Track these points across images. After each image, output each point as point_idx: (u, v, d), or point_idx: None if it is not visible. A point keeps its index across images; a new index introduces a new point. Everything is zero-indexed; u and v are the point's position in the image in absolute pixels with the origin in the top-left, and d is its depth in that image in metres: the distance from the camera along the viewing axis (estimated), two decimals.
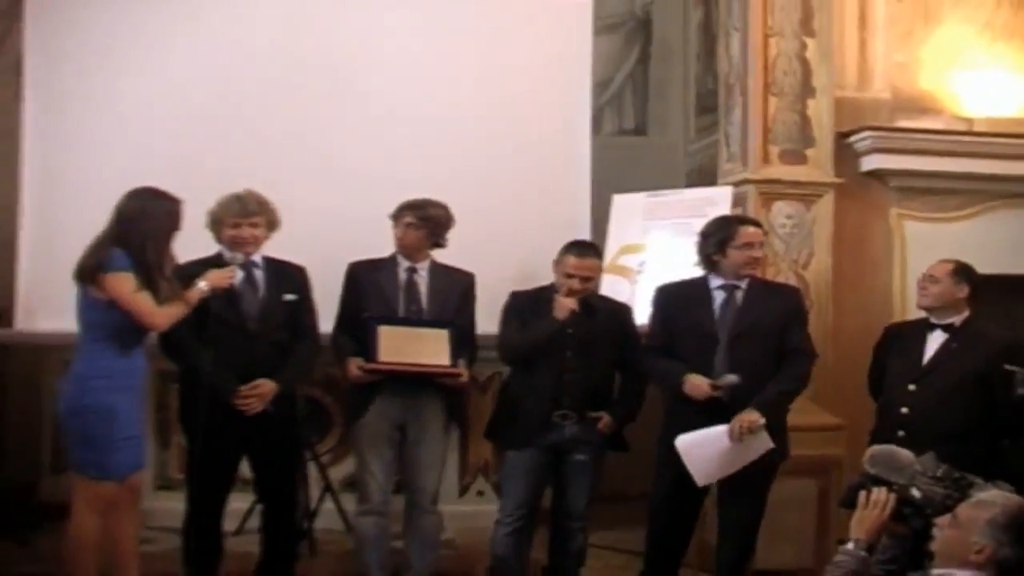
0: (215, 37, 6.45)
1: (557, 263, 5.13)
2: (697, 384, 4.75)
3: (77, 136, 6.36)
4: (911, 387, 4.98)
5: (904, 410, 4.96)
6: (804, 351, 4.94)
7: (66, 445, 4.84)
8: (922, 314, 5.15)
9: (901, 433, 4.80)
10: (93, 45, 6.47)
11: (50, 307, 5.87)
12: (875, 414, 5.22)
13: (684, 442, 4.78)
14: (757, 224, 5.07)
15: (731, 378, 4.70)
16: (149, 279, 4.55)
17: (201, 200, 5.04)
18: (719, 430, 4.70)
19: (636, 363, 5.15)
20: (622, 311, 5.28)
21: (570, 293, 5.00)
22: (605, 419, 5.06)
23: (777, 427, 4.85)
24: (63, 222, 5.86)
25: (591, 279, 5.11)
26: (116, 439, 4.61)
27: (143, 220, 4.61)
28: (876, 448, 3.79)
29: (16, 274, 6.30)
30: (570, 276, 5.02)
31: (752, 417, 4.66)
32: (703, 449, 4.76)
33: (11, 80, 7.56)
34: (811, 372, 5.00)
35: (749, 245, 4.90)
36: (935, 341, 5.00)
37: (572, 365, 5.03)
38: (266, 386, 4.90)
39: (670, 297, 5.07)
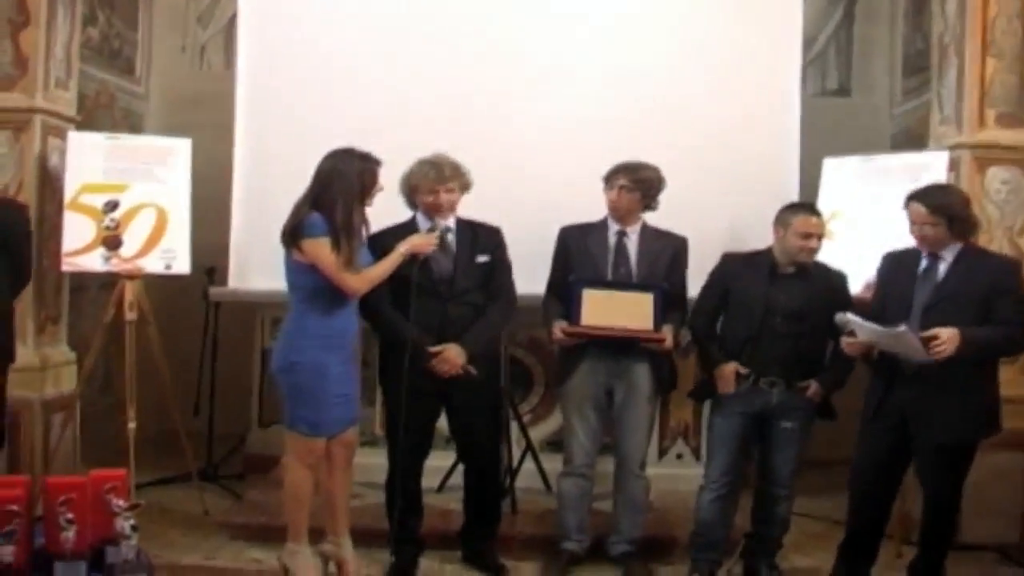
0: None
1: (784, 224, 4.97)
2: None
3: (286, 98, 6.52)
4: None
5: None
6: (1016, 323, 4.58)
7: (279, 402, 4.97)
8: None
9: None
10: (301, 7, 6.62)
11: (261, 266, 6.09)
12: None
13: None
14: (922, 202, 4.66)
15: None
16: (336, 241, 4.62)
17: (409, 162, 5.12)
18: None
19: None
20: (837, 277, 5.11)
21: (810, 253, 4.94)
22: (813, 387, 4.95)
23: (985, 401, 4.65)
24: (273, 182, 5.98)
25: (821, 236, 4.99)
26: (328, 396, 4.74)
27: (334, 181, 4.69)
28: None
29: (229, 234, 6.52)
30: (808, 236, 4.92)
31: (949, 336, 4.40)
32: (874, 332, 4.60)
33: (222, 46, 7.87)
34: (1021, 345, 4.70)
35: (915, 224, 4.69)
36: None
37: (782, 331, 4.93)
38: (452, 350, 4.96)
39: (887, 264, 4.92)
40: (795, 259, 4.96)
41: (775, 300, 4.93)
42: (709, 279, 5.20)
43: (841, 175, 6.15)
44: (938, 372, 4.46)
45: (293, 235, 4.68)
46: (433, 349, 4.92)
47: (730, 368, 4.96)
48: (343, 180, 4.69)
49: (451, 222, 5.12)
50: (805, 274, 4.98)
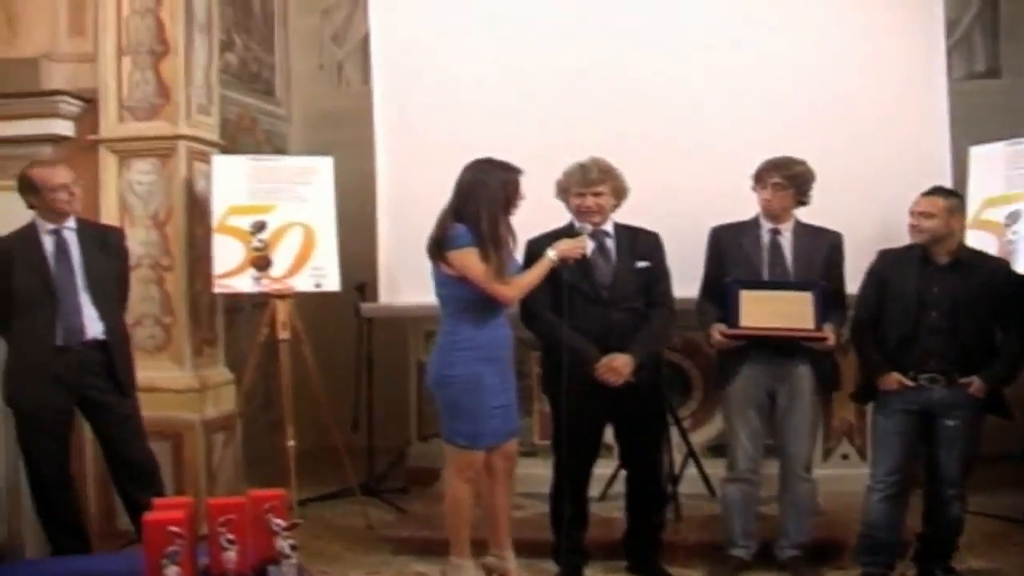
0: (553, 5, 6.51)
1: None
2: None
3: (424, 111, 6.55)
4: None
5: None
6: None
7: (437, 415, 4.98)
8: None
9: None
10: (434, 21, 6.65)
11: (412, 280, 6.07)
12: None
13: None
14: None
15: None
16: (484, 251, 4.61)
17: (550, 171, 5.10)
18: None
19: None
20: (998, 266, 4.96)
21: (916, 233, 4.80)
22: (976, 383, 4.75)
23: None
24: (418, 195, 5.94)
25: (931, 216, 4.78)
26: (485, 408, 4.73)
27: (477, 192, 4.69)
28: None
29: (377, 249, 6.56)
30: (911, 213, 4.81)
31: None
32: None
33: (359, 63, 7.96)
34: None
35: None
36: None
37: (937, 326, 4.77)
38: (620, 360, 4.89)
39: None
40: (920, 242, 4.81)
41: (928, 293, 4.78)
42: (866, 278, 5.06)
43: (990, 161, 5.96)
44: None
45: (439, 247, 4.69)
46: (602, 363, 4.87)
47: (893, 378, 4.82)
48: (486, 190, 4.69)
49: (608, 227, 5.07)
50: (960, 264, 4.81)
